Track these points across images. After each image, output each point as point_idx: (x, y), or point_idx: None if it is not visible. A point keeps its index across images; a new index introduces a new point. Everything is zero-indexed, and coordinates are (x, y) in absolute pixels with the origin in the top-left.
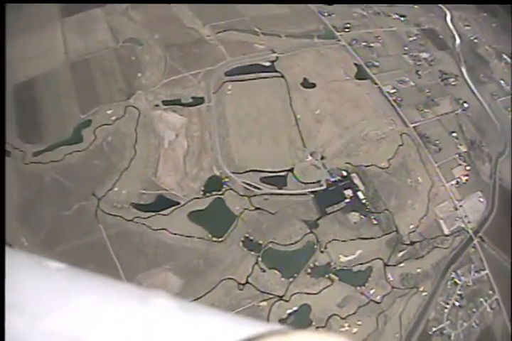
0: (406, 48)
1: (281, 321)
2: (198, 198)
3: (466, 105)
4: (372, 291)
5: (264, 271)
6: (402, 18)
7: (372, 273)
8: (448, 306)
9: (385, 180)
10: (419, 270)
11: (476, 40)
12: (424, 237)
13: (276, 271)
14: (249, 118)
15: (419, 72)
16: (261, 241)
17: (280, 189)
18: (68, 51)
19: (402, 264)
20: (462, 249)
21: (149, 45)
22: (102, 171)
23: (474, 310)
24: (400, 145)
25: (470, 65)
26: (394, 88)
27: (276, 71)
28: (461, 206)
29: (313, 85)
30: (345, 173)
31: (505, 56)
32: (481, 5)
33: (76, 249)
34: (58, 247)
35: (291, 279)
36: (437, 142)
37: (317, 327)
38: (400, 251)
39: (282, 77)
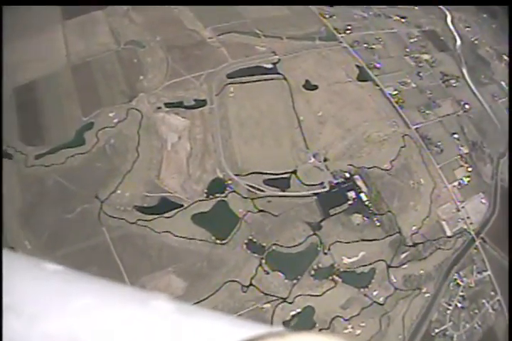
0: (407, 50)
1: (285, 323)
2: (201, 200)
3: (467, 106)
4: (375, 293)
5: (268, 273)
6: (403, 20)
7: (376, 275)
8: (450, 307)
9: (388, 182)
10: (421, 271)
11: (476, 42)
12: (427, 239)
13: (279, 273)
14: (251, 121)
15: (421, 74)
16: (264, 244)
17: (283, 191)
18: (70, 54)
19: (404, 266)
20: (464, 250)
21: (151, 47)
22: (105, 174)
23: (476, 311)
24: (402, 147)
25: (471, 66)
26: (396, 90)
27: (279, 73)
28: (463, 207)
29: (315, 87)
30: (347, 175)
31: (505, 57)
32: (481, 6)
33: (79, 252)
34: (61, 250)
35: (294, 281)
36: (439, 143)
37: (320, 329)
38: (403, 252)
39: (284, 79)
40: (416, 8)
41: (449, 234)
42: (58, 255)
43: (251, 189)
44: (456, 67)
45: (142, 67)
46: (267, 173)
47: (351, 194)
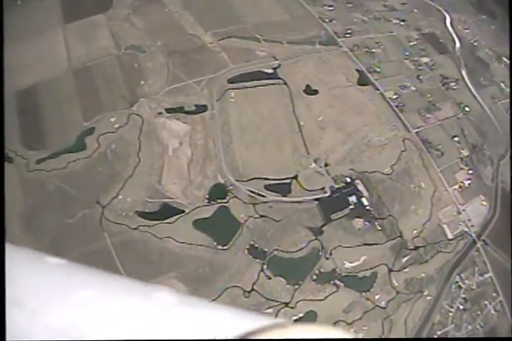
0: (407, 53)
1: None
2: (202, 206)
3: (467, 109)
4: (377, 296)
5: (270, 278)
6: (403, 23)
7: (377, 279)
8: (452, 309)
9: (389, 186)
10: (423, 274)
11: (475, 43)
12: (428, 242)
13: (281, 278)
14: (252, 126)
15: (420, 77)
16: (266, 249)
17: (284, 196)
18: (70, 58)
19: (406, 269)
20: (466, 253)
21: (151, 52)
22: (106, 179)
23: (479, 312)
24: (403, 151)
25: (470, 68)
26: (396, 93)
27: (279, 78)
28: (464, 210)
29: (315, 92)
30: (349, 180)
31: (505, 58)
32: (480, 7)
33: (80, 257)
34: (62, 255)
35: (296, 286)
36: (439, 147)
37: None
38: (404, 256)
39: (285, 83)
40: (415, 10)
41: (450, 236)
42: None
43: (252, 194)
44: (456, 70)
45: (143, 72)
46: (268, 179)
47: (352, 198)
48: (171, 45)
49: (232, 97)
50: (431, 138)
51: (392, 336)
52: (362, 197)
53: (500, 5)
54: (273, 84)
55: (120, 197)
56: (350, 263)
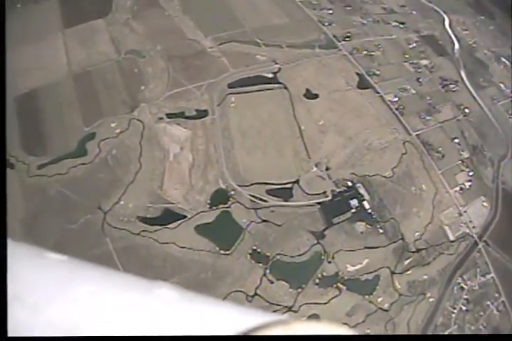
0: (406, 56)
1: None
2: (204, 211)
3: (467, 111)
4: (380, 299)
5: (273, 283)
6: (402, 25)
7: (380, 282)
8: (455, 311)
9: (390, 189)
10: (425, 276)
11: (474, 44)
12: (430, 244)
13: (284, 282)
14: (253, 130)
15: (420, 80)
16: (268, 253)
17: (286, 201)
18: (70, 63)
19: (408, 272)
20: (468, 254)
21: (151, 57)
22: (108, 184)
23: (481, 313)
24: (404, 154)
25: (470, 69)
26: (396, 96)
27: (279, 82)
28: (465, 212)
29: (315, 96)
30: (350, 183)
31: (503, 59)
32: (479, 8)
33: None
34: None
35: (299, 290)
36: (440, 149)
37: None
38: (407, 258)
39: (285, 88)
40: (414, 12)
41: (451, 238)
42: None
43: (254, 199)
44: (455, 72)
45: (143, 77)
46: (269, 183)
47: (354, 202)
48: (171, 49)
49: (232, 102)
50: (431, 141)
51: None
52: (363, 200)
53: (498, 6)
54: (273, 88)
55: (122, 202)
56: (353, 266)
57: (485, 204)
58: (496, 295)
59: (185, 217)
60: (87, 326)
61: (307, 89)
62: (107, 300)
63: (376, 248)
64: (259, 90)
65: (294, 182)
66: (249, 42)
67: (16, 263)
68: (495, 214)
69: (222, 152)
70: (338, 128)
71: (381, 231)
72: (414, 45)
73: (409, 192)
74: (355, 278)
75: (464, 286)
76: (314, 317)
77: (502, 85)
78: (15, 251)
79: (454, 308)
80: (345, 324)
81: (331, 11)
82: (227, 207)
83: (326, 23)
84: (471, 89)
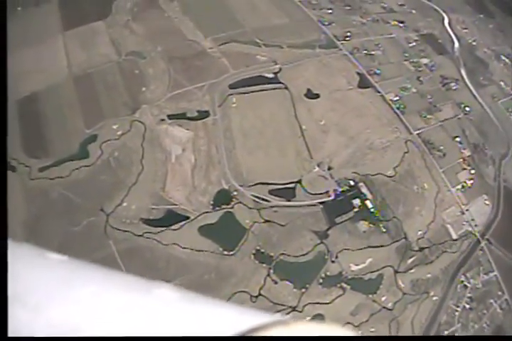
0: (406, 55)
1: None
2: (207, 212)
3: (467, 109)
4: (383, 298)
5: (277, 283)
6: (401, 25)
7: (383, 281)
8: (459, 309)
9: (392, 188)
10: (429, 275)
11: (474, 43)
12: (433, 243)
13: (288, 283)
14: (254, 131)
15: (421, 78)
16: (272, 253)
17: (289, 201)
18: (71, 65)
19: (412, 270)
20: (470, 252)
21: (152, 58)
22: (110, 186)
23: (485, 311)
24: (405, 153)
25: (470, 68)
26: (396, 95)
27: (280, 82)
28: (467, 210)
29: (316, 96)
30: (352, 183)
31: (503, 57)
32: (478, 6)
33: None
34: None
35: (303, 290)
36: (441, 148)
37: None
38: (410, 257)
39: (286, 88)
40: (413, 11)
41: (454, 237)
42: None
43: (257, 199)
44: (456, 70)
45: (144, 79)
46: (272, 183)
47: (356, 201)
48: (171, 50)
49: (233, 103)
50: (432, 139)
51: None
52: (366, 199)
53: (498, 4)
54: (274, 88)
55: (124, 204)
56: (356, 265)
57: (487, 202)
58: (499, 293)
59: (188, 218)
60: (88, 327)
61: (308, 89)
62: (108, 301)
63: (379, 247)
64: (260, 90)
65: (296, 182)
66: (250, 43)
67: (16, 264)
68: (497, 213)
69: (224, 152)
70: (340, 128)
71: (384, 230)
72: (414, 44)
73: (412, 191)
74: (358, 278)
75: (467, 284)
76: (318, 316)
77: (502, 83)
78: (15, 252)
79: (458, 307)
80: (349, 323)
81: (330, 11)
82: (230, 208)
83: (326, 23)
84: (472, 88)
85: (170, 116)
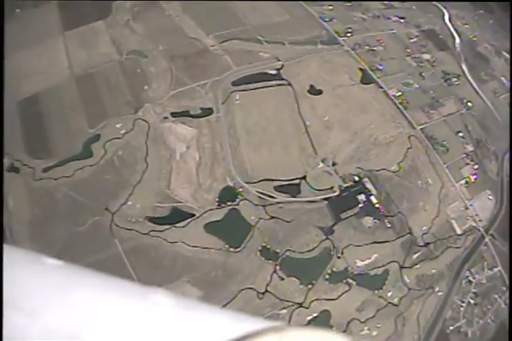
0: (408, 50)
1: None
2: (213, 209)
3: (470, 104)
4: (389, 294)
5: (283, 279)
6: (402, 20)
7: (389, 276)
8: (464, 304)
9: (397, 184)
10: (434, 270)
11: (475, 39)
12: (438, 238)
13: (294, 279)
14: (258, 128)
15: (423, 74)
16: (278, 250)
17: (294, 197)
18: (72, 65)
19: (417, 266)
20: (475, 248)
21: (154, 57)
22: (115, 185)
23: (489, 306)
24: (409, 148)
25: (471, 63)
26: (399, 91)
27: (283, 79)
28: (471, 205)
29: (319, 92)
30: (357, 178)
31: (504, 53)
32: (478, 2)
33: (92, 265)
34: (74, 263)
35: (309, 286)
36: (445, 143)
37: (337, 333)
38: (415, 252)
39: (289, 84)
40: (414, 7)
41: (458, 232)
42: None
43: (262, 196)
44: (457, 66)
45: (146, 77)
46: (277, 180)
47: (361, 197)
48: (173, 49)
49: (237, 99)
50: (436, 135)
51: (405, 333)
52: (371, 195)
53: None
54: (277, 85)
55: (129, 203)
56: (362, 261)
57: (490, 197)
58: (503, 288)
59: (193, 215)
60: (84, 332)
61: (311, 85)
62: (104, 306)
63: (384, 242)
64: (263, 87)
65: (301, 178)
66: (251, 40)
67: (12, 269)
68: (500, 208)
69: (228, 150)
70: (343, 124)
71: (389, 225)
72: (415, 39)
73: (416, 187)
74: (364, 273)
75: (472, 280)
76: (325, 312)
77: (503, 79)
78: (11, 257)
79: (463, 302)
80: (355, 319)
81: (331, 7)
82: (235, 205)
83: (327, 19)
84: (473, 83)
85: (173, 114)
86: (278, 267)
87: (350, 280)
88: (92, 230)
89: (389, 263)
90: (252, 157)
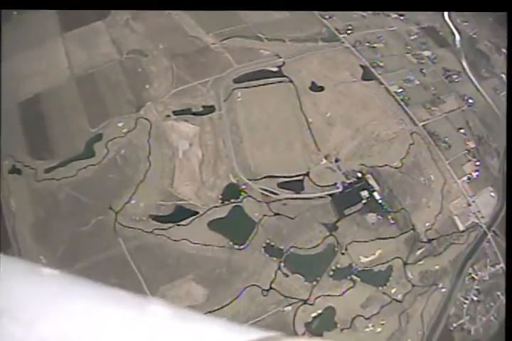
0: (408, 47)
1: (307, 325)
2: (216, 207)
3: (471, 101)
4: (393, 290)
5: (287, 276)
6: (402, 17)
7: (393, 273)
8: (467, 301)
9: (399, 180)
10: (437, 267)
11: (475, 36)
12: (441, 234)
13: (299, 276)
14: (261, 125)
15: (423, 71)
16: (282, 247)
17: (298, 193)
18: (72, 66)
19: (421, 262)
20: (477, 244)
21: (154, 56)
22: (118, 185)
23: (492, 303)
24: (411, 145)
25: (471, 60)
26: (400, 87)
27: (284, 76)
28: (473, 201)
29: (321, 88)
30: (360, 175)
31: (504, 50)
32: None
33: (96, 265)
34: (78, 263)
35: (314, 283)
36: (446, 139)
37: (342, 329)
38: (418, 249)
39: (290, 81)
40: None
41: (461, 228)
42: (75, 268)
43: (265, 193)
44: (457, 63)
45: (147, 76)
46: (280, 176)
47: (364, 193)
48: (174, 47)
49: (238, 97)
50: (438, 131)
51: (409, 329)
52: (374, 191)
53: None
54: (279, 82)
55: (133, 201)
56: (366, 257)
57: (492, 194)
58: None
59: (197, 213)
60: None
61: (312, 82)
62: (101, 317)
63: (388, 239)
64: (264, 84)
65: (304, 175)
66: (252, 37)
67: (8, 279)
68: (502, 204)
69: (231, 147)
70: (346, 120)
71: (392, 221)
72: (416, 36)
73: (419, 183)
74: (368, 270)
75: (475, 276)
76: (329, 309)
77: (503, 76)
78: (7, 267)
79: (466, 299)
80: (360, 316)
81: None
82: (239, 202)
83: (327, 17)
84: (474, 80)
85: (175, 112)
86: (282, 264)
87: (354, 277)
88: (96, 230)
89: (393, 259)
90: (255, 154)
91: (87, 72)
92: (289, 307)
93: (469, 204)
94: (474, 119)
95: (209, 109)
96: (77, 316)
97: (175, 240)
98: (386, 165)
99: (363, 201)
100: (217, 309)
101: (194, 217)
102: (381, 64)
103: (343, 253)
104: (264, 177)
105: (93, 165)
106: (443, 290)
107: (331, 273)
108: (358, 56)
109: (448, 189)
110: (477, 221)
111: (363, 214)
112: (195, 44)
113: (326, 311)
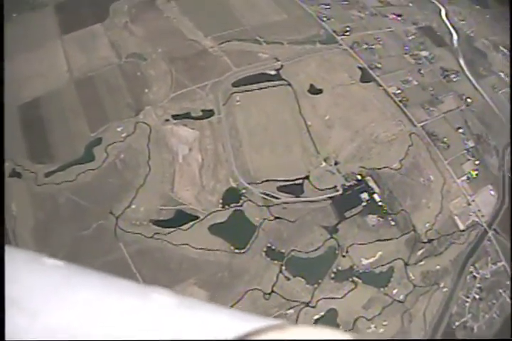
0: (406, 48)
1: None
2: (217, 211)
3: (469, 100)
4: (395, 291)
5: (289, 279)
6: (399, 18)
7: (394, 274)
8: (469, 300)
9: (399, 181)
10: (438, 266)
11: (472, 34)
12: (441, 234)
13: (300, 278)
14: (260, 128)
15: (421, 71)
16: (283, 250)
17: (298, 197)
18: (71, 69)
19: (422, 262)
20: (478, 243)
21: (153, 60)
22: (118, 189)
23: (494, 301)
24: (410, 146)
25: (469, 59)
26: (398, 88)
27: (283, 79)
28: (473, 200)
29: (319, 91)
30: (359, 177)
31: (502, 48)
32: None
33: (97, 269)
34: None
35: (315, 285)
36: (445, 139)
37: (345, 331)
38: (419, 249)
39: (289, 84)
40: (410, 4)
41: (462, 227)
42: None
43: (266, 196)
44: (455, 62)
45: (146, 80)
46: (280, 180)
47: (364, 195)
48: (172, 51)
49: (237, 101)
50: (436, 131)
51: (412, 329)
52: (374, 193)
53: None
54: (277, 85)
55: (133, 206)
56: (367, 259)
57: (492, 192)
58: (508, 283)
59: (197, 217)
60: (85, 332)
61: (311, 85)
62: (105, 306)
63: (389, 240)
64: (263, 88)
65: (304, 178)
66: (250, 41)
67: (13, 269)
68: (502, 202)
69: (231, 151)
70: (345, 123)
71: (393, 223)
72: (413, 36)
73: (418, 184)
74: (369, 271)
75: (476, 275)
76: (332, 311)
77: (502, 74)
78: (12, 257)
79: (468, 297)
80: (362, 317)
81: (328, 6)
82: (239, 206)
83: (325, 18)
84: (472, 79)
85: (174, 117)
86: (284, 267)
87: (355, 279)
88: (97, 234)
89: (394, 260)
90: (255, 158)
91: (87, 76)
92: (291, 310)
93: (469, 204)
94: (473, 118)
95: (208, 113)
96: (81, 305)
97: (176, 245)
98: (385, 166)
99: (363, 203)
100: None
101: (195, 221)
102: (379, 65)
103: (344, 256)
104: (264, 181)
105: (93, 169)
106: (445, 289)
107: (333, 275)
108: (356, 58)
109: (448, 189)
110: (477, 220)
111: (364, 216)
112: (194, 47)
113: (328, 313)
